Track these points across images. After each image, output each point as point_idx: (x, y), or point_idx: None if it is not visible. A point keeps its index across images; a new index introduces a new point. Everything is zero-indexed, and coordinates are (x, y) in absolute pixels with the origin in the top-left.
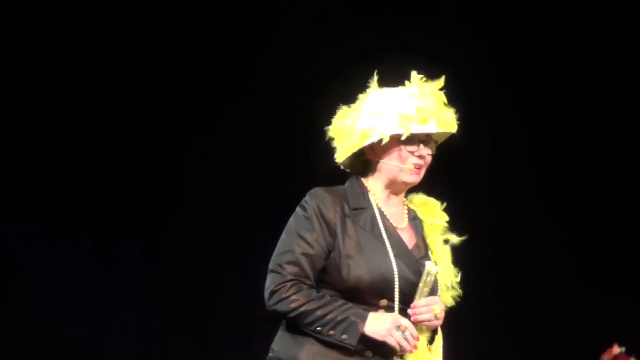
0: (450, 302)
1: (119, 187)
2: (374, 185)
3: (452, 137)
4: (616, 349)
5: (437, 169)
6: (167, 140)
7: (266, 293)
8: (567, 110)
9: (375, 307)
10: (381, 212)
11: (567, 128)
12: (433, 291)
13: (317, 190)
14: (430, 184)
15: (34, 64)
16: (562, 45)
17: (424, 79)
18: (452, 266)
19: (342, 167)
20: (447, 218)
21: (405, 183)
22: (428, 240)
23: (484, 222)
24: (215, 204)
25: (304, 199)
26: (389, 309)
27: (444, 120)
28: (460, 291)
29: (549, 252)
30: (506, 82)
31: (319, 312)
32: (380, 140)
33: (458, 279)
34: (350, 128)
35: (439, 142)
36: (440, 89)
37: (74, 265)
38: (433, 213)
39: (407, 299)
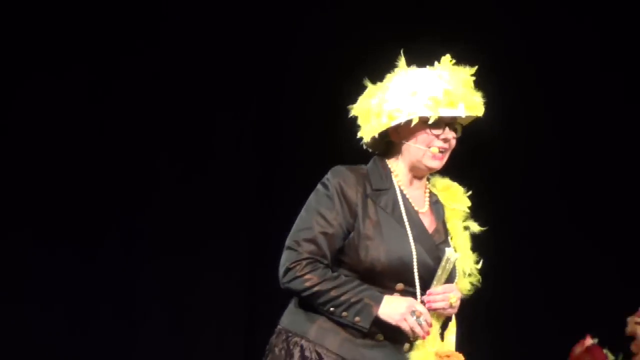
0: (468, 289)
1: (101, 183)
2: (397, 167)
3: (480, 123)
4: (589, 341)
5: (465, 156)
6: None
7: (281, 270)
8: (603, 106)
9: (392, 291)
10: (403, 195)
11: (602, 122)
12: (451, 278)
13: (340, 169)
14: (456, 172)
15: (23, 64)
16: (604, 42)
17: (454, 62)
18: (471, 252)
19: (364, 146)
20: (469, 204)
21: (428, 168)
22: (448, 226)
23: (507, 213)
24: (197, 202)
25: (326, 176)
26: (406, 293)
27: (473, 104)
28: (479, 277)
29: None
30: (541, 73)
31: (333, 293)
32: (407, 123)
33: (478, 266)
34: (377, 108)
35: (464, 125)
36: (472, 75)
37: (56, 260)
38: (455, 198)
39: (425, 284)
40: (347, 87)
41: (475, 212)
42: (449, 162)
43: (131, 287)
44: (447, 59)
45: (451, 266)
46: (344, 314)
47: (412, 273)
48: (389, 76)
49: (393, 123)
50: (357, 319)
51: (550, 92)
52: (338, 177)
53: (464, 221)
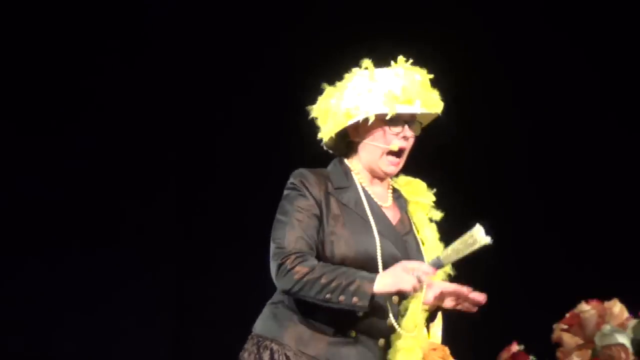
0: (442, 279)
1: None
2: (357, 167)
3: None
4: (515, 347)
5: (431, 157)
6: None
7: (272, 270)
8: (566, 103)
9: None
10: (365, 191)
11: (566, 121)
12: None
13: (300, 170)
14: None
15: None
16: (569, 37)
17: (411, 62)
18: (439, 243)
19: (325, 147)
20: (433, 198)
21: (384, 172)
22: (414, 219)
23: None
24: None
25: (289, 180)
26: None
27: (430, 101)
28: (450, 270)
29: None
30: (508, 71)
31: (323, 280)
32: (365, 121)
33: None
34: (335, 108)
35: (423, 124)
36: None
37: None
38: (418, 192)
39: None
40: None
41: (443, 203)
42: (410, 161)
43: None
44: (402, 59)
45: (474, 245)
46: (341, 298)
47: (377, 264)
48: (347, 76)
49: (350, 121)
50: (354, 299)
51: (519, 91)
52: (300, 177)
53: (428, 213)
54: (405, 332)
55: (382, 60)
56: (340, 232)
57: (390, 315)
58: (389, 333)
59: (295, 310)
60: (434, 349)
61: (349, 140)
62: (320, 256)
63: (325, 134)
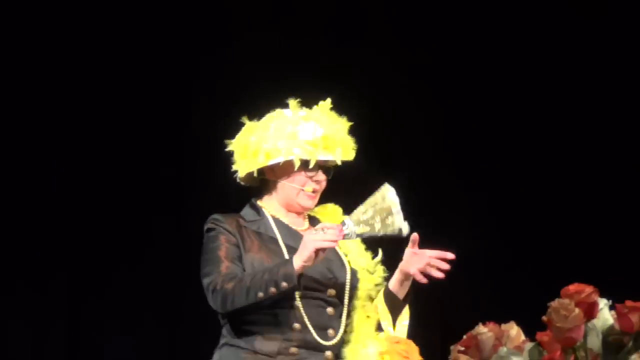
0: (378, 282)
1: None
2: (270, 204)
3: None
4: None
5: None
6: None
7: (209, 297)
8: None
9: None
10: (277, 219)
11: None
12: (353, 283)
13: (212, 216)
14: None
15: None
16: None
17: (331, 106)
18: (364, 251)
19: (238, 180)
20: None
21: (302, 207)
22: None
23: None
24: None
25: (204, 227)
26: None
27: (348, 150)
28: (383, 273)
29: None
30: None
31: (248, 282)
32: (284, 162)
33: (377, 260)
34: (255, 146)
35: (335, 168)
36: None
37: None
38: (335, 215)
39: (313, 286)
40: None
41: None
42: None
43: None
44: (326, 104)
45: (384, 203)
46: (272, 290)
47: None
48: (269, 115)
49: (270, 162)
50: (284, 284)
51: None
52: (211, 220)
53: None
54: (351, 342)
55: (302, 98)
56: (258, 256)
57: (308, 329)
58: (332, 344)
59: (238, 346)
60: (397, 342)
61: (263, 177)
62: None
63: (242, 169)
